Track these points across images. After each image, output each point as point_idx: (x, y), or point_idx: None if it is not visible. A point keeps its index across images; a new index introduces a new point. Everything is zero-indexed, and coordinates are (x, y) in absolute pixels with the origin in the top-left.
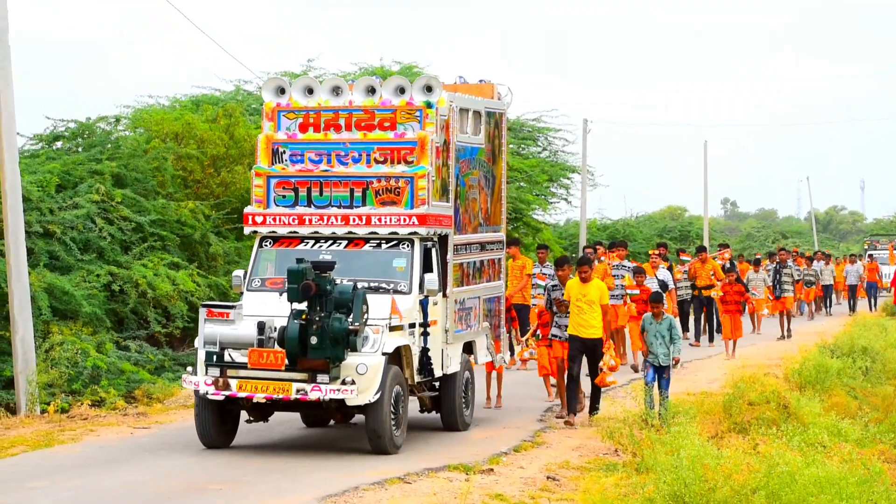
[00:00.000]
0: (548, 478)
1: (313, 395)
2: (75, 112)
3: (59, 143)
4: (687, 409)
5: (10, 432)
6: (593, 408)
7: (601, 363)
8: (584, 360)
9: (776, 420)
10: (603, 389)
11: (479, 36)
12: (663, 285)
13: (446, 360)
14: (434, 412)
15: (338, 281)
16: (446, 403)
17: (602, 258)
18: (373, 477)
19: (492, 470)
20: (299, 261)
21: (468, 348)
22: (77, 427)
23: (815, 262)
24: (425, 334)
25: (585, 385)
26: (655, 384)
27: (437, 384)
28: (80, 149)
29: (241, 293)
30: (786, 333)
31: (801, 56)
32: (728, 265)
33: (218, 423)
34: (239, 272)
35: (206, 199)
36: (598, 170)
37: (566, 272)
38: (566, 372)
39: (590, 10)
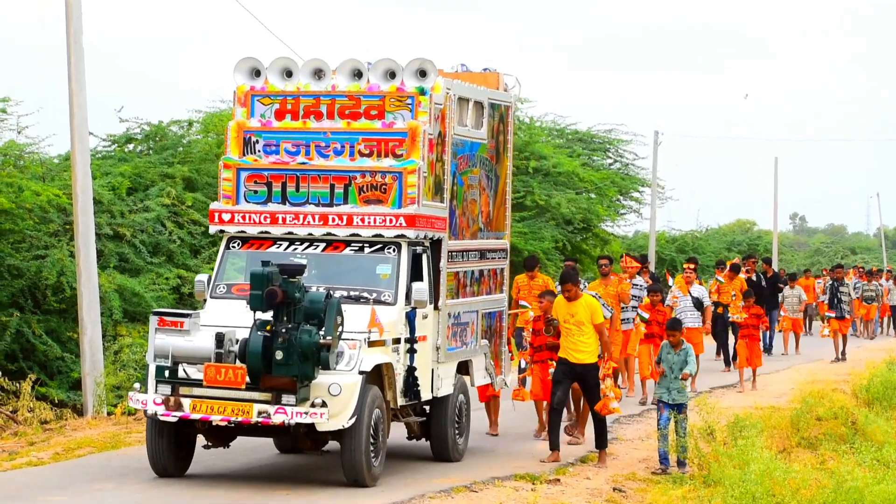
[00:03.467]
0: (614, 489)
1: (277, 419)
2: (149, 114)
3: (130, 146)
4: (754, 423)
5: (77, 434)
6: (601, 441)
7: (604, 387)
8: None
9: (844, 436)
10: (609, 419)
11: (541, 44)
12: (698, 303)
13: (437, 381)
14: (423, 439)
15: (312, 288)
16: (436, 430)
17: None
18: (439, 485)
19: (558, 480)
20: (265, 263)
21: (464, 368)
22: (144, 429)
23: (881, 279)
24: (412, 351)
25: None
26: (672, 426)
27: (426, 408)
28: (151, 151)
29: (205, 300)
30: (840, 356)
31: (872, 72)
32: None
33: (172, 448)
34: (203, 276)
35: None
36: (669, 182)
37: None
38: (552, 400)
39: (656, 19)
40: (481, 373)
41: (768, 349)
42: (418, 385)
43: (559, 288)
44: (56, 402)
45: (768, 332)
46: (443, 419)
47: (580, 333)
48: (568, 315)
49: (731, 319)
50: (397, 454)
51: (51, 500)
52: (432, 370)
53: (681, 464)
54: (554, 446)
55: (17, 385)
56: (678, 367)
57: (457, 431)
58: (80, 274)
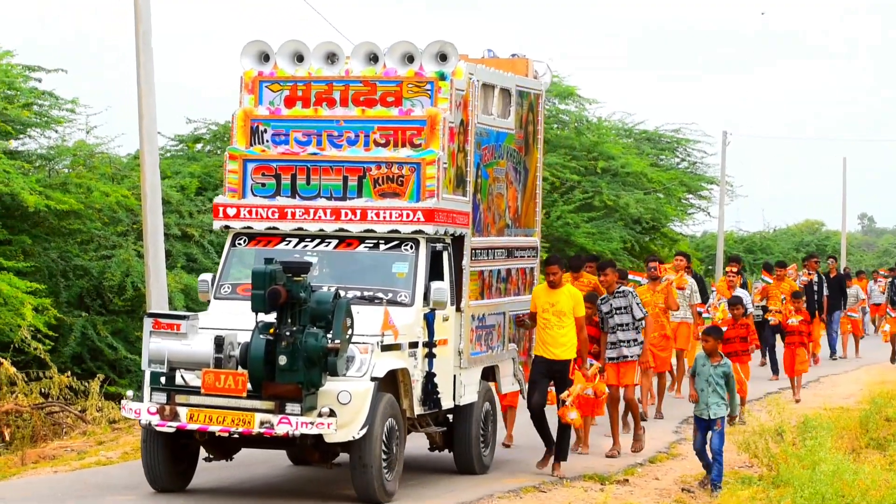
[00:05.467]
0: (683, 490)
1: (281, 429)
2: (216, 114)
3: (199, 145)
4: (824, 424)
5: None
6: (559, 454)
7: (565, 393)
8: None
9: None
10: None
11: (602, 40)
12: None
13: (459, 389)
14: (447, 450)
15: (325, 288)
16: (460, 440)
17: (665, 277)
18: (508, 485)
19: (627, 480)
20: (268, 261)
21: (490, 375)
22: None
23: None
24: (431, 356)
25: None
26: (708, 447)
27: (450, 417)
28: (220, 151)
29: (209, 301)
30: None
31: None
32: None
33: (169, 461)
34: (207, 276)
35: None
36: (737, 182)
37: (610, 277)
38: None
39: (728, 20)
40: (509, 379)
41: (832, 353)
42: (438, 392)
43: (545, 270)
44: None
45: (831, 336)
46: (466, 429)
47: (560, 325)
48: (548, 304)
49: (771, 322)
50: (425, 466)
51: (119, 500)
52: (454, 376)
53: (713, 485)
54: (560, 454)
55: (86, 385)
56: (714, 381)
57: (482, 442)
58: (148, 274)
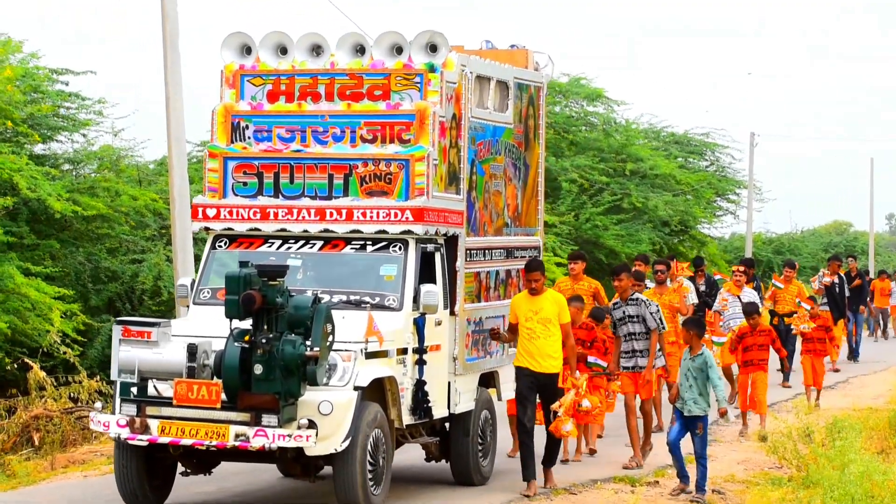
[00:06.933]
0: (713, 491)
1: (257, 442)
2: None
3: None
4: (853, 425)
5: None
6: (547, 461)
7: (556, 404)
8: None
9: None
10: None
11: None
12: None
13: (454, 396)
14: (444, 461)
15: (310, 292)
16: (456, 450)
17: (679, 277)
18: (508, 497)
19: (657, 482)
20: (242, 264)
21: (489, 381)
22: None
23: None
24: (421, 363)
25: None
26: (685, 442)
27: (447, 425)
28: None
29: (188, 307)
30: None
31: None
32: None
33: (143, 474)
34: (185, 280)
35: None
36: (765, 185)
37: (624, 283)
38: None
39: (756, 22)
40: (509, 385)
41: (855, 355)
42: (430, 401)
43: (524, 277)
44: None
45: (854, 338)
46: (463, 438)
47: (546, 334)
48: (530, 312)
49: (793, 331)
50: (420, 478)
51: None
52: (449, 384)
53: (699, 488)
54: (530, 475)
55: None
56: (692, 375)
57: (480, 451)
58: (177, 278)
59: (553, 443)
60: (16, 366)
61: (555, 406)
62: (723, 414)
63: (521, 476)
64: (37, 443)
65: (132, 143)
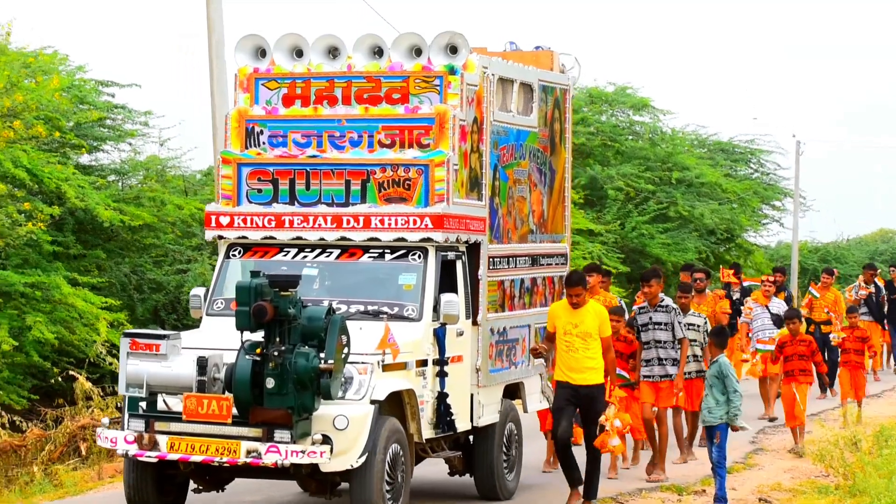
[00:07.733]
0: (760, 500)
1: (269, 459)
2: None
3: None
4: None
5: None
6: (589, 491)
7: (602, 418)
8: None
9: None
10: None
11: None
12: (778, 320)
13: (478, 409)
14: (468, 475)
15: (325, 303)
16: (481, 464)
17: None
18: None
19: (704, 491)
20: (254, 274)
21: (514, 393)
22: None
23: None
24: (442, 374)
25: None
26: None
27: (471, 439)
28: None
29: (201, 318)
30: None
31: None
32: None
33: (155, 492)
34: (199, 290)
35: None
36: (811, 192)
37: (654, 289)
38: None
39: (804, 25)
40: (536, 396)
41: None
42: (452, 414)
43: (565, 292)
44: None
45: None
46: (487, 451)
47: (585, 348)
48: (570, 325)
49: (832, 341)
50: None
51: None
52: (472, 395)
53: (717, 498)
54: (574, 482)
55: None
56: (709, 384)
57: (505, 465)
58: None
59: (594, 470)
60: (63, 376)
61: (602, 420)
62: (735, 430)
63: (568, 484)
64: (84, 453)
65: (178, 153)
